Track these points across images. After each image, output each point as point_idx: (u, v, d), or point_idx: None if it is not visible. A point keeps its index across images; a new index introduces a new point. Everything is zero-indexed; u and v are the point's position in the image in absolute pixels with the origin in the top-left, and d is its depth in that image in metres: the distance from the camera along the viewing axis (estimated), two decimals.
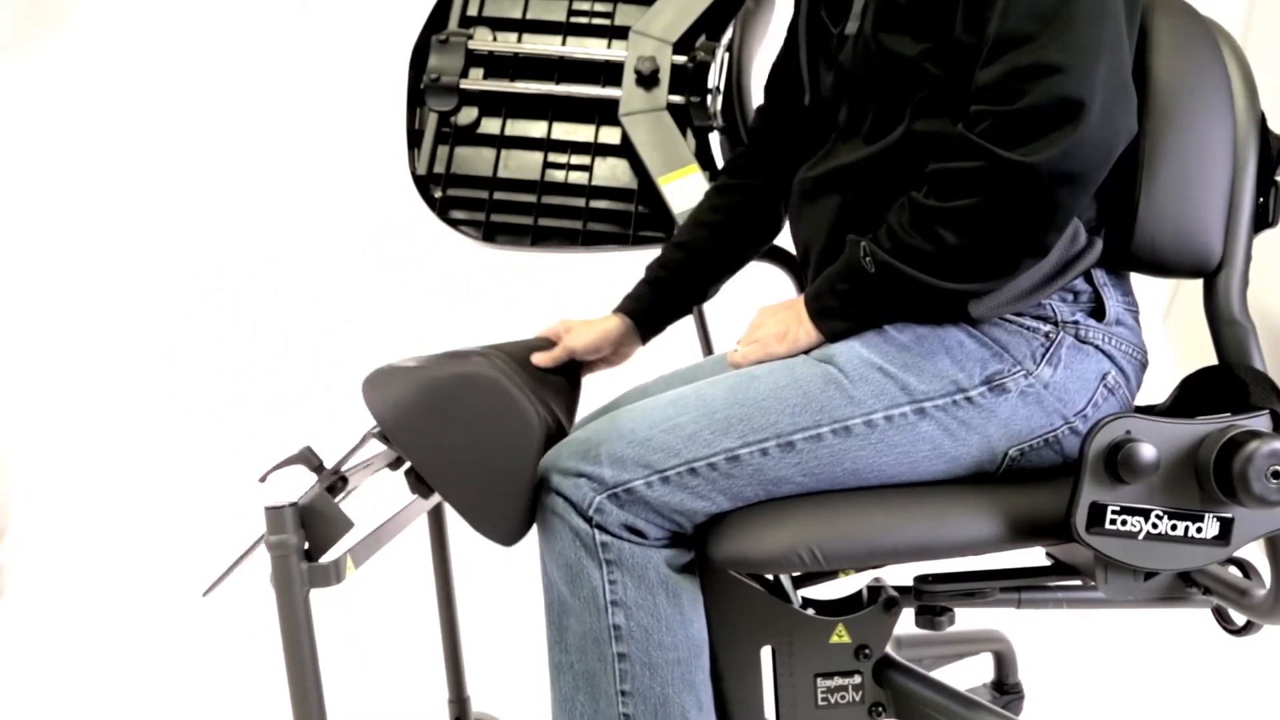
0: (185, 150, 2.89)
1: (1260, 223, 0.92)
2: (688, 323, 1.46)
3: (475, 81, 1.31)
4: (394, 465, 1.06)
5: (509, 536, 0.91)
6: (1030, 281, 0.88)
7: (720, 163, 1.34)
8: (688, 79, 1.28)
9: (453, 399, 0.89)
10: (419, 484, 0.99)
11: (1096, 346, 0.90)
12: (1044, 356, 0.88)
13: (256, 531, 0.93)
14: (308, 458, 1.00)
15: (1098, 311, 0.91)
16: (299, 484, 1.02)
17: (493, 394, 0.88)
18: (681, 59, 1.28)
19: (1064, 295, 0.90)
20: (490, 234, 1.35)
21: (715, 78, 1.28)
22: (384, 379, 0.91)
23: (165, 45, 2.86)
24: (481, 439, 0.88)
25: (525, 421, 0.89)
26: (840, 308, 0.92)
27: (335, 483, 0.96)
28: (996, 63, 0.81)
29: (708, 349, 1.45)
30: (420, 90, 1.32)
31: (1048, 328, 0.89)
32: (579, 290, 2.87)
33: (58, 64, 2.83)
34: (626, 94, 1.28)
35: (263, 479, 1.03)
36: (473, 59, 1.32)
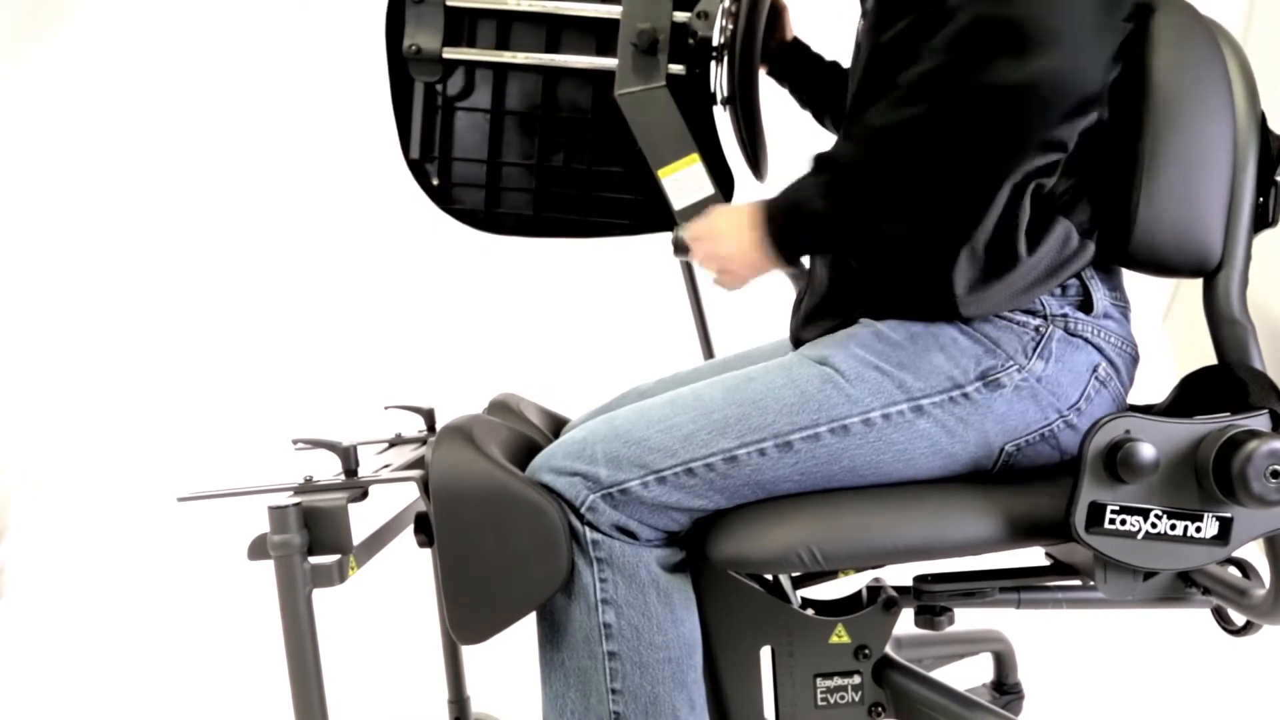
0: (186, 150, 2.89)
1: (1260, 222, 0.92)
2: (688, 323, 1.46)
3: (459, 51, 1.21)
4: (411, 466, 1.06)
5: (471, 640, 0.90)
6: (1022, 282, 0.87)
7: (731, 138, 1.26)
8: (692, 47, 1.17)
9: (511, 515, 0.87)
10: (424, 537, 0.98)
11: (1086, 339, 0.90)
12: (1035, 350, 0.88)
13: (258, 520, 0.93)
14: (346, 455, 0.99)
15: (1085, 305, 0.91)
16: (314, 468, 1.03)
17: (547, 534, 0.87)
18: (684, 16, 1.16)
19: (1052, 289, 0.90)
20: (489, 221, 1.32)
21: (720, 35, 1.17)
22: (460, 447, 0.89)
23: (165, 45, 2.86)
24: (510, 564, 0.87)
25: (557, 570, 0.88)
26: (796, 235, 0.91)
27: (358, 496, 0.96)
28: None
29: (708, 352, 1.45)
30: (402, 63, 1.22)
31: (1037, 321, 0.89)
32: (580, 284, 2.88)
33: (58, 64, 2.84)
34: (622, 72, 1.18)
35: (296, 443, 1.04)
36: (453, 17, 1.20)
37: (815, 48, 1.34)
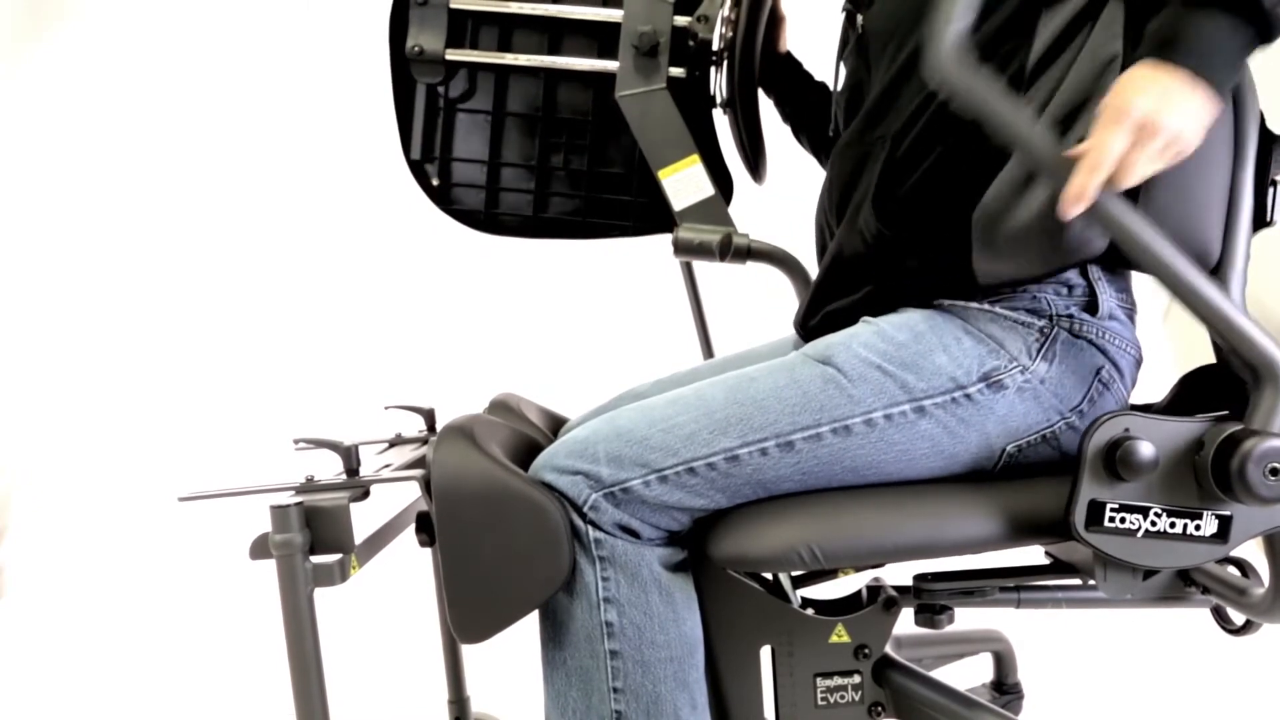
0: (187, 150, 2.90)
1: (1259, 222, 0.93)
2: (688, 323, 1.46)
3: (462, 53, 1.22)
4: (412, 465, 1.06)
5: (473, 639, 0.90)
6: (1051, 224, 0.85)
7: (730, 144, 1.27)
8: (693, 50, 1.18)
9: (512, 514, 0.87)
10: (425, 536, 0.99)
11: (1090, 341, 0.90)
12: (1039, 351, 0.88)
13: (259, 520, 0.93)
14: (347, 454, 1.00)
15: (1091, 306, 0.91)
16: (315, 468, 1.03)
17: (549, 533, 0.87)
18: (684, 20, 1.18)
19: (1058, 289, 0.90)
20: (489, 222, 1.32)
21: (720, 40, 1.18)
22: (461, 446, 0.89)
23: (167, 45, 2.86)
24: (511, 563, 0.87)
25: (558, 569, 0.88)
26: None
27: (359, 495, 0.96)
28: None
29: (708, 351, 1.45)
30: (405, 64, 1.23)
31: (1042, 322, 0.89)
32: (580, 284, 2.89)
33: (58, 64, 2.84)
34: (623, 73, 1.19)
35: (297, 443, 1.04)
36: (456, 20, 1.22)
37: (806, 65, 1.35)
